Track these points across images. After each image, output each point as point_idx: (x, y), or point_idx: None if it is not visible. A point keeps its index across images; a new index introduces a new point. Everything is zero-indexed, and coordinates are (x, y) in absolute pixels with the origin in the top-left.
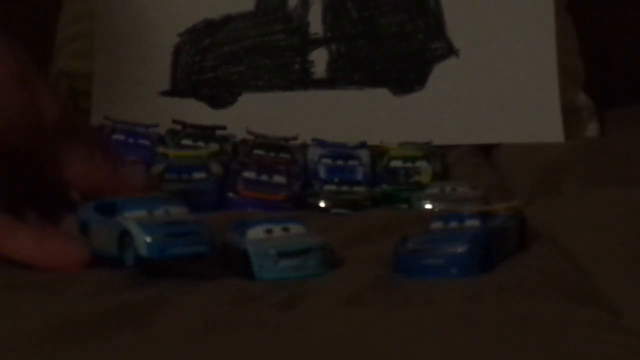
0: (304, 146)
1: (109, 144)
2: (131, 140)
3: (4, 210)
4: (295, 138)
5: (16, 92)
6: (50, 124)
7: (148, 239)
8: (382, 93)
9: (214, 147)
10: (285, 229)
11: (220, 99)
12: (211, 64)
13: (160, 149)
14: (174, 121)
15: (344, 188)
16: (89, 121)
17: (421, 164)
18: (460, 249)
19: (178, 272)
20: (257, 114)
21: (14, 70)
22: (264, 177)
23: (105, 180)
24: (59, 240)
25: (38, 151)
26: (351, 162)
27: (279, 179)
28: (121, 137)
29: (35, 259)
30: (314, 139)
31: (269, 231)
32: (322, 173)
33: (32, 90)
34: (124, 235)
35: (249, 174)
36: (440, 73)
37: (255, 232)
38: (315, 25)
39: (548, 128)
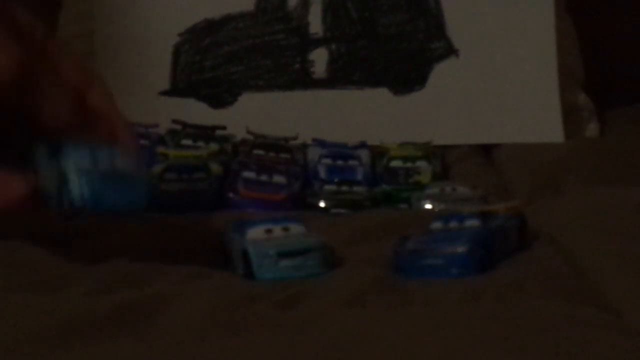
0: (304, 146)
1: (73, 77)
2: None
3: None
4: (295, 138)
5: None
6: (2, 79)
7: (82, 189)
8: (382, 93)
9: (214, 147)
10: (285, 229)
11: (220, 99)
12: (211, 64)
13: (160, 149)
14: (174, 121)
15: (344, 188)
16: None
17: (421, 164)
18: (461, 249)
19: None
20: (257, 114)
21: None
22: (264, 177)
23: (68, 120)
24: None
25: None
26: (351, 162)
27: (278, 179)
28: None
29: None
30: (314, 139)
31: (268, 231)
32: (322, 173)
33: None
34: (62, 180)
35: (249, 174)
36: (440, 73)
37: (255, 232)
38: (315, 25)
39: (548, 128)
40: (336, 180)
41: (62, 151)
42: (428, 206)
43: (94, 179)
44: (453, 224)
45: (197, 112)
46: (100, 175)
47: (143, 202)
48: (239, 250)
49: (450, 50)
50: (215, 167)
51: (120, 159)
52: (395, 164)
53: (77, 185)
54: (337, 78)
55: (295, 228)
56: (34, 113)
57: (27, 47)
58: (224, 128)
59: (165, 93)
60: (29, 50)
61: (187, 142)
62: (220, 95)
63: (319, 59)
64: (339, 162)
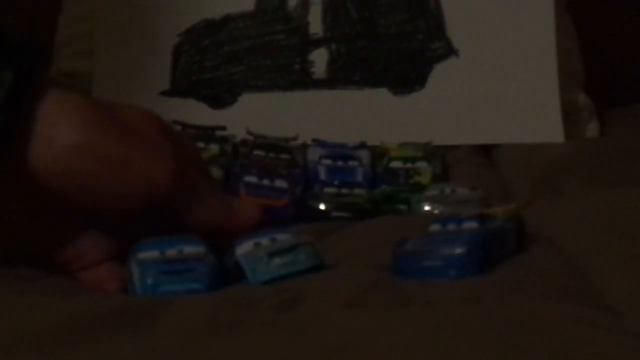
0: (304, 146)
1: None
2: None
3: (114, 258)
4: (295, 138)
5: (114, 176)
6: (159, 191)
7: (141, 278)
8: (382, 93)
9: (213, 148)
10: (273, 240)
11: (220, 99)
12: (211, 64)
13: None
14: (174, 121)
15: (344, 190)
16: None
17: (421, 165)
18: (459, 250)
19: None
20: (257, 114)
21: (113, 153)
22: (266, 182)
23: (220, 223)
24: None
25: (153, 209)
26: (351, 163)
27: (280, 183)
28: None
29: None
30: (314, 139)
31: (257, 244)
32: (323, 174)
33: (135, 167)
34: (130, 275)
35: (251, 178)
36: (440, 73)
37: (244, 247)
38: (315, 25)
39: (548, 128)
40: (336, 182)
41: (136, 248)
42: (427, 208)
43: (152, 268)
44: (451, 226)
45: (197, 112)
46: (161, 264)
47: (205, 287)
48: (230, 264)
49: (450, 50)
50: (215, 172)
51: (191, 246)
52: (395, 164)
53: (137, 276)
54: (337, 78)
55: (282, 236)
56: (190, 214)
57: (182, 160)
58: (224, 128)
59: (165, 93)
60: (184, 163)
61: None
62: (220, 95)
63: (319, 59)
64: (339, 163)
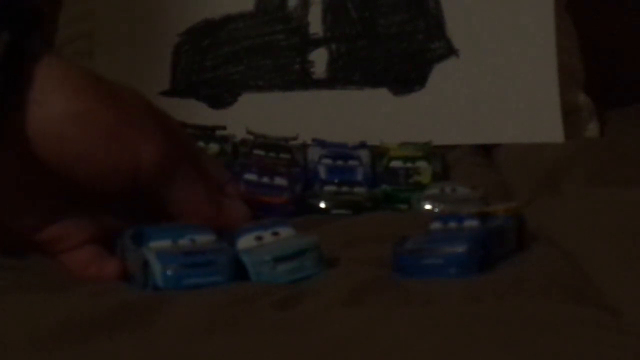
0: (304, 146)
1: (212, 178)
2: None
3: (97, 241)
4: (295, 138)
5: (105, 145)
6: (146, 169)
7: (163, 270)
8: (382, 93)
9: (213, 147)
10: (275, 233)
11: (220, 99)
12: (211, 64)
13: None
14: None
15: (344, 189)
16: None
17: (421, 164)
18: (460, 249)
19: None
20: (257, 114)
21: (106, 122)
22: (266, 180)
23: (206, 216)
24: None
25: (138, 191)
26: (351, 162)
27: (280, 181)
28: None
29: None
30: (314, 139)
31: (259, 238)
32: (323, 173)
33: (125, 140)
34: (146, 265)
35: (250, 176)
36: (440, 73)
37: (246, 241)
38: (315, 25)
39: (548, 128)
40: (336, 181)
41: (144, 235)
42: (428, 207)
43: (174, 260)
44: (452, 225)
45: (197, 112)
46: (180, 255)
47: (225, 279)
48: None
49: (450, 50)
50: None
51: (202, 235)
52: (395, 164)
53: (158, 268)
54: (337, 78)
55: (285, 231)
56: (175, 202)
57: (171, 141)
58: (224, 128)
59: (165, 93)
60: (173, 144)
61: None
62: (220, 95)
63: (319, 59)
64: (339, 162)
